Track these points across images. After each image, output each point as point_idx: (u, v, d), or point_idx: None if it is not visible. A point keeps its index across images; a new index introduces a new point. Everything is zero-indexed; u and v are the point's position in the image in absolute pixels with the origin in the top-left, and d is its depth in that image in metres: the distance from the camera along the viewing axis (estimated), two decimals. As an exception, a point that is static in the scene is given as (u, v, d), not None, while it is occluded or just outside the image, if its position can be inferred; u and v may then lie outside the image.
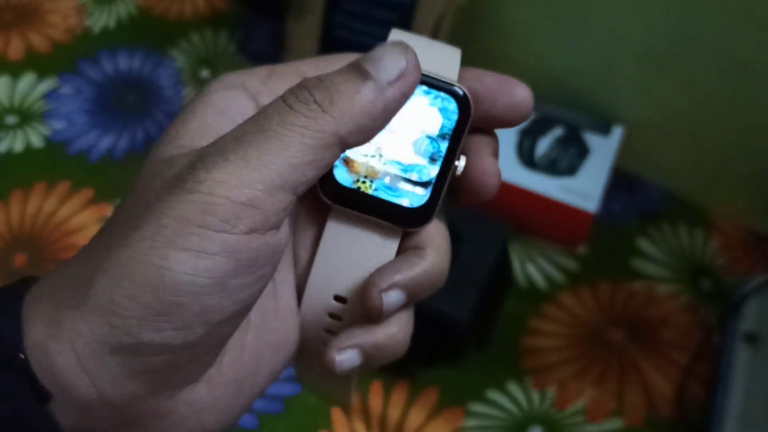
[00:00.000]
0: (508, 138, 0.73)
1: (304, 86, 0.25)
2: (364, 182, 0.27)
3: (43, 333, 0.24)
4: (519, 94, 0.27)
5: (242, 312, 0.25)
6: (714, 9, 0.67)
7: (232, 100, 0.27)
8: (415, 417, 0.63)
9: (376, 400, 0.63)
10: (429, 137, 0.27)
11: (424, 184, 0.27)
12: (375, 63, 0.25)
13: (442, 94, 0.26)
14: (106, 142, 0.77)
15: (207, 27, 0.87)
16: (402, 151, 0.27)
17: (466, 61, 0.28)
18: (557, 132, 0.75)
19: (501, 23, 0.78)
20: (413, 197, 0.27)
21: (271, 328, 0.28)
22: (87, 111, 0.79)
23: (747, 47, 0.67)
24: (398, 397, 0.63)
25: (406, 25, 0.72)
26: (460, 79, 0.27)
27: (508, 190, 0.71)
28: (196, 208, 0.23)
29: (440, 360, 0.64)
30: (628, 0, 0.71)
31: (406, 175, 0.27)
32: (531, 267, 0.72)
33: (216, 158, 0.24)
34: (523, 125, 0.70)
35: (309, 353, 0.29)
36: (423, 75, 0.26)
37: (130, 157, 0.76)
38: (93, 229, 0.71)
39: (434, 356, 0.64)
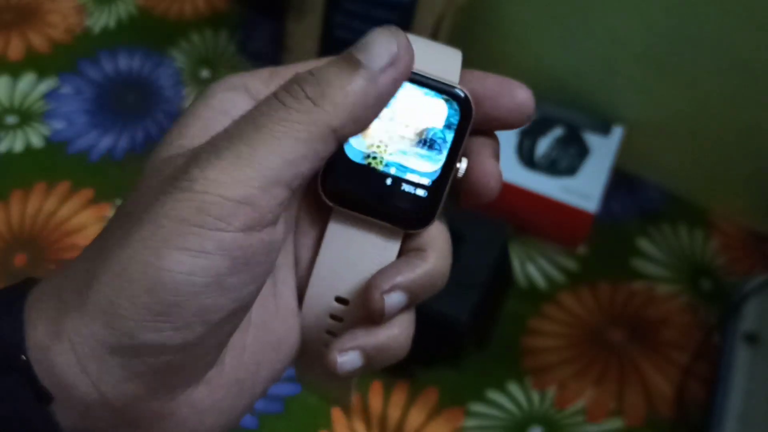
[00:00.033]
0: (508, 138, 0.73)
1: (295, 81, 0.25)
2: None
3: (44, 334, 0.24)
4: (520, 96, 0.27)
5: (241, 311, 0.25)
6: (714, 9, 0.67)
7: (233, 101, 0.27)
8: (415, 417, 0.63)
9: (376, 400, 0.63)
10: (432, 136, 0.27)
11: (425, 186, 0.27)
12: (365, 51, 0.25)
13: (444, 96, 0.26)
14: (106, 142, 0.77)
15: (207, 27, 0.87)
16: (405, 149, 0.27)
17: (466, 62, 0.28)
18: (557, 132, 0.75)
19: (501, 23, 0.78)
20: (415, 197, 0.27)
21: (271, 328, 0.28)
22: (87, 111, 0.79)
23: (747, 47, 0.67)
24: (398, 397, 0.63)
25: (406, 25, 0.72)
26: (461, 81, 0.27)
27: (508, 190, 0.71)
28: (191, 207, 0.23)
29: (440, 360, 0.64)
30: (628, 0, 0.71)
31: (407, 176, 0.27)
32: (531, 267, 0.72)
33: (209, 156, 0.24)
34: (523, 125, 0.70)
35: (310, 354, 0.29)
36: (425, 77, 0.26)
37: (130, 157, 0.76)
38: (93, 229, 0.71)
39: (434, 356, 0.64)
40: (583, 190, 0.71)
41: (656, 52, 0.72)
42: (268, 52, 0.82)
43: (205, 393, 0.26)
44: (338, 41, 0.72)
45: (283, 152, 0.24)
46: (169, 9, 0.88)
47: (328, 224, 0.28)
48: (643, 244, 0.75)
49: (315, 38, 0.73)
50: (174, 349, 0.24)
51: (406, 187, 0.27)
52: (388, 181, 0.27)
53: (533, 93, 0.27)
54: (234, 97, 0.27)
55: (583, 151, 0.73)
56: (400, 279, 0.27)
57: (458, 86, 0.27)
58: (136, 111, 0.80)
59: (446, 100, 0.26)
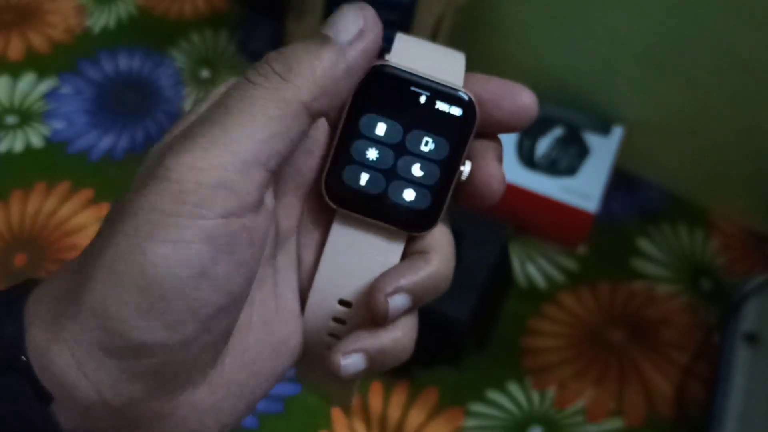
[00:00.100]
0: (508, 138, 0.73)
1: (264, 60, 0.25)
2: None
3: (44, 335, 0.24)
4: (524, 98, 0.27)
5: (232, 307, 0.25)
6: (714, 9, 0.67)
7: None
8: (415, 417, 0.63)
9: (376, 400, 0.63)
10: (433, 138, 0.27)
11: (429, 188, 0.27)
12: (333, 26, 0.25)
13: (448, 98, 0.26)
14: (106, 142, 0.77)
15: (207, 27, 0.87)
16: (408, 151, 0.27)
17: (466, 62, 0.28)
18: (557, 132, 0.75)
19: (501, 23, 0.78)
20: (418, 201, 0.27)
21: (273, 330, 0.28)
22: (87, 111, 0.79)
23: (747, 47, 0.67)
24: (398, 397, 0.63)
25: (406, 25, 0.72)
26: (465, 84, 0.27)
27: (508, 190, 0.70)
28: (168, 197, 0.23)
29: (440, 360, 0.64)
30: (628, 0, 0.71)
31: (411, 178, 0.27)
32: (531, 267, 0.72)
33: (184, 143, 0.24)
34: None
35: (312, 356, 0.29)
36: (428, 80, 0.26)
37: (130, 157, 0.76)
38: (93, 229, 0.71)
39: (434, 356, 0.64)
40: (583, 190, 0.71)
41: (656, 52, 0.72)
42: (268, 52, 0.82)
43: (205, 394, 0.26)
44: (338, 41, 0.72)
45: (256, 132, 0.24)
46: (169, 9, 0.88)
47: (331, 226, 0.28)
48: (643, 244, 0.75)
49: (315, 38, 0.73)
50: (168, 348, 0.24)
51: (409, 190, 0.27)
52: (392, 184, 0.27)
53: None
54: None
55: (583, 151, 0.73)
56: (403, 281, 0.27)
57: (462, 89, 0.27)
58: (136, 111, 0.80)
59: (450, 103, 0.26)
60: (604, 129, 0.75)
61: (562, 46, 0.76)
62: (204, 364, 0.25)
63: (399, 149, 0.27)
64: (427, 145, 0.27)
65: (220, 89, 0.27)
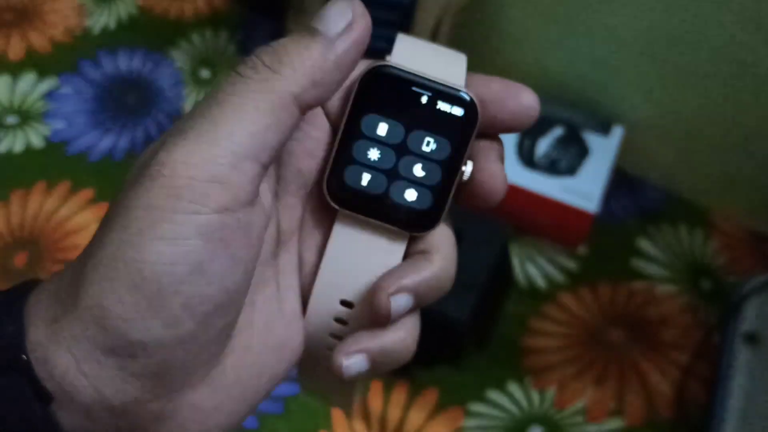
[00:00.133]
0: (508, 138, 0.73)
1: (254, 54, 0.25)
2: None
3: (44, 335, 0.24)
4: (525, 99, 0.27)
5: (229, 303, 0.25)
6: (714, 9, 0.67)
7: None
8: (415, 417, 0.63)
9: (376, 400, 0.63)
10: (435, 138, 0.27)
11: (431, 189, 0.27)
12: (322, 19, 0.25)
13: (449, 99, 0.26)
14: (106, 142, 0.77)
15: (207, 27, 0.87)
16: (410, 151, 0.27)
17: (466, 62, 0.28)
18: (557, 132, 0.75)
19: (501, 23, 0.78)
20: (420, 201, 0.27)
21: (274, 331, 0.28)
22: (87, 111, 0.79)
23: (747, 47, 0.67)
24: (398, 397, 0.63)
25: (406, 25, 0.72)
26: (466, 85, 0.27)
27: (508, 190, 0.71)
28: (162, 194, 0.23)
29: (440, 360, 0.64)
30: (628, 0, 0.71)
31: (414, 178, 0.27)
32: (531, 267, 0.72)
33: (175, 139, 0.24)
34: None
35: (313, 357, 0.29)
36: (430, 81, 0.26)
37: (130, 157, 0.76)
38: (93, 229, 0.71)
39: (434, 356, 0.64)
40: (583, 190, 0.71)
41: (656, 52, 0.72)
42: (268, 52, 0.82)
43: (206, 394, 0.26)
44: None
45: (247, 125, 0.24)
46: (169, 9, 0.88)
47: (333, 227, 0.28)
48: (643, 244, 0.75)
49: (315, 38, 0.73)
50: (167, 346, 0.23)
51: (411, 190, 0.27)
52: (394, 184, 0.27)
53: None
54: None
55: (583, 151, 0.73)
56: (406, 281, 0.26)
57: (464, 89, 0.27)
58: (136, 111, 0.80)
59: (451, 103, 0.26)
60: (604, 129, 0.75)
61: (562, 46, 0.76)
62: (203, 364, 0.25)
63: (400, 149, 0.27)
64: (429, 145, 0.26)
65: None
